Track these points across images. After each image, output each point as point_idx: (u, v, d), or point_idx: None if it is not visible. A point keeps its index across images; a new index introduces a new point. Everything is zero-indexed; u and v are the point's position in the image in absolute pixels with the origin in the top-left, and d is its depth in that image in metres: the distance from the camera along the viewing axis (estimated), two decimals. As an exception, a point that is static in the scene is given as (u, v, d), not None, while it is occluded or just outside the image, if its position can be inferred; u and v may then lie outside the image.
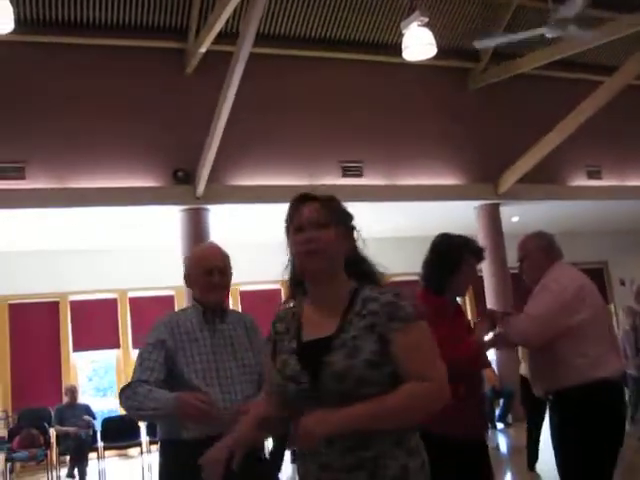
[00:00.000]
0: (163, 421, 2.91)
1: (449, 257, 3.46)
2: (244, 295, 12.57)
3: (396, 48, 9.95)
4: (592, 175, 13.08)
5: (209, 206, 10.13)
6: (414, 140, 11.50)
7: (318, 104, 10.88)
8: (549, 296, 3.66)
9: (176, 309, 12.48)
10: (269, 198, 10.28)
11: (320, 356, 1.95)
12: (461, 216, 12.22)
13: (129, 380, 2.92)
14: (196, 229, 10.10)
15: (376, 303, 1.99)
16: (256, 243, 10.80)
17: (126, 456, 11.40)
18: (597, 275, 16.23)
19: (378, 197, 11.07)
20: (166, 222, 10.41)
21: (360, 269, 2.12)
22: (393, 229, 12.31)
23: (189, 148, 9.76)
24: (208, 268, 3.08)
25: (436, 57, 9.68)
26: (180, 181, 9.84)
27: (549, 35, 8.87)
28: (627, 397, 9.91)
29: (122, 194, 9.59)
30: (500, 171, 11.82)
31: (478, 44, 10.28)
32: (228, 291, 3.16)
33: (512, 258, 12.71)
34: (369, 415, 1.87)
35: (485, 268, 11.67)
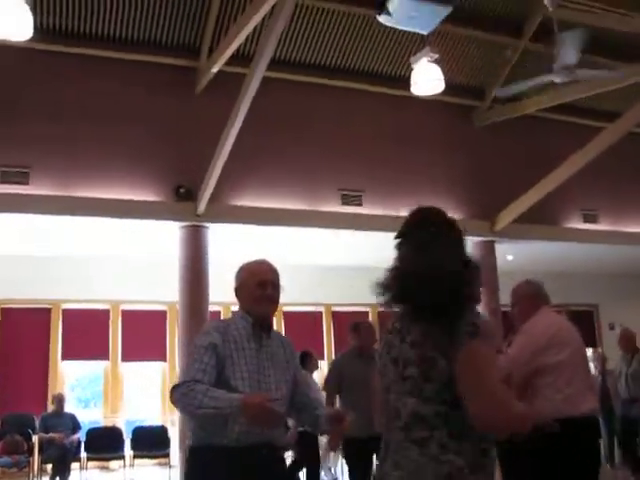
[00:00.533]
0: (212, 423, 2.87)
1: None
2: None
3: (404, 81, 10.09)
4: (588, 218, 13.21)
5: (209, 224, 10.21)
6: (415, 173, 11.62)
7: (322, 131, 11.01)
8: (525, 339, 4.15)
9: (167, 325, 12.56)
10: (268, 221, 10.39)
11: None
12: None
13: (178, 381, 2.95)
14: (195, 246, 10.16)
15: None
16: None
17: (108, 469, 11.38)
18: (587, 318, 16.34)
19: (376, 227, 11.15)
20: (165, 237, 10.49)
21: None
22: (389, 259, 12.34)
23: (192, 165, 9.86)
24: (262, 280, 3.16)
25: (443, 93, 9.83)
26: (182, 197, 9.93)
27: (558, 81, 9.04)
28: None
29: (123, 206, 9.66)
30: (498, 209, 11.94)
31: (499, 92, 10.54)
32: (276, 306, 3.24)
33: (505, 295, 12.79)
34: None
35: (480, 305, 11.72)
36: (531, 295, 4.32)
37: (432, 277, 2.15)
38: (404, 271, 2.22)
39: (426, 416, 2.07)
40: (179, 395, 2.81)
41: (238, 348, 3.00)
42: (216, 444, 2.86)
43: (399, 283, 2.20)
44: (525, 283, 4.41)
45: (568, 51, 8.20)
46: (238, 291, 3.21)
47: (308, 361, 8.14)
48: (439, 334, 2.08)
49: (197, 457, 2.94)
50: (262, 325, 3.13)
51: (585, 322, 16.44)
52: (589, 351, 16.56)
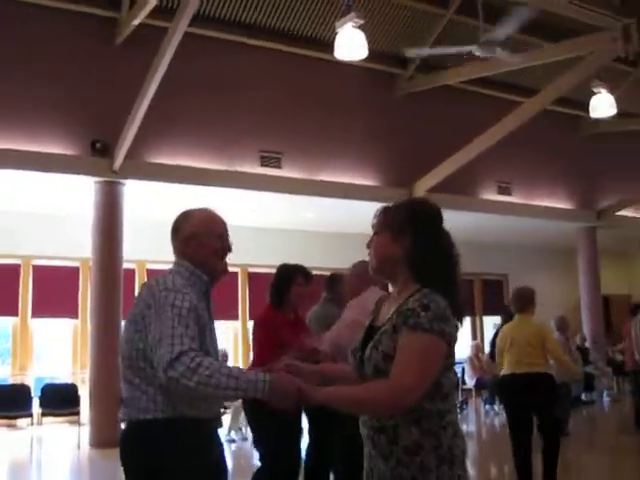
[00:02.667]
0: (194, 397, 2.49)
1: (282, 279, 4.97)
2: (150, 274, 12.47)
3: (327, 45, 10.09)
4: (502, 190, 13.58)
5: (125, 181, 10.04)
6: (335, 137, 11.68)
7: (243, 91, 10.90)
8: (350, 312, 4.61)
9: (80, 282, 12.32)
10: (186, 179, 10.28)
11: (369, 341, 2.27)
12: (372, 218, 12.46)
13: (176, 348, 2.38)
14: (110, 202, 9.99)
15: (405, 306, 2.20)
16: (167, 222, 10.70)
17: (15, 427, 11.18)
18: (497, 287, 16.85)
19: (294, 190, 11.19)
20: (79, 192, 10.26)
21: (420, 273, 2.27)
22: (302, 222, 12.45)
23: (110, 120, 9.65)
24: (223, 232, 2.79)
25: (366, 59, 9.87)
26: (98, 152, 9.71)
27: (477, 54, 9.21)
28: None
29: (36, 159, 9.39)
30: (415, 177, 12.13)
31: (409, 52, 10.56)
32: None
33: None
34: (339, 398, 2.21)
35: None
36: (361, 273, 4.55)
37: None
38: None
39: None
40: (185, 370, 2.33)
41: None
42: (191, 416, 2.55)
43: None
44: (360, 262, 4.57)
45: (500, 29, 8.35)
46: (189, 241, 2.73)
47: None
48: None
49: (168, 430, 2.54)
50: (214, 283, 2.77)
51: (495, 290, 16.98)
52: (497, 319, 17.13)
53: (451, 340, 2.18)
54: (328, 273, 6.10)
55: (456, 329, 2.23)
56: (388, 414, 2.18)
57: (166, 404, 2.52)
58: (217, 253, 2.76)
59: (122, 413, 2.67)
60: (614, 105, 12.00)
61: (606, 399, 13.75)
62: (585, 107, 12.63)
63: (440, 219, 2.40)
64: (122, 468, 2.71)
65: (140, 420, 2.57)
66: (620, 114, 12.85)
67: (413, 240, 2.28)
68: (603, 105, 12.00)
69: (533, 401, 5.84)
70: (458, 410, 11.05)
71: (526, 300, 6.20)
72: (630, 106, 13.97)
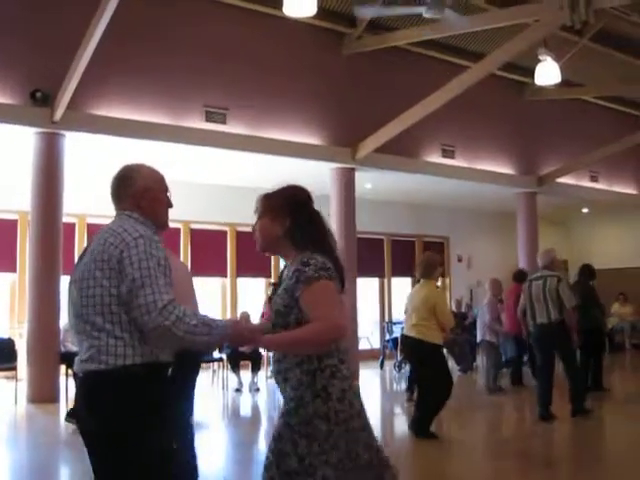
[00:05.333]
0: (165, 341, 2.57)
1: None
2: (90, 228, 12.26)
3: (277, 0, 9.93)
4: (446, 153, 13.71)
5: (66, 132, 9.81)
6: (281, 94, 11.59)
7: (189, 45, 10.70)
8: None
9: (19, 235, 12.07)
10: (129, 133, 10.10)
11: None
12: (316, 177, 12.47)
13: (164, 296, 2.50)
14: (50, 154, 9.76)
15: (290, 270, 2.75)
16: (109, 176, 10.53)
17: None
18: (439, 249, 17.09)
19: (239, 146, 11.10)
20: (18, 143, 10.00)
21: (299, 245, 2.79)
22: (245, 180, 12.36)
23: (51, 69, 9.37)
24: (166, 188, 2.90)
25: (315, 17, 9.75)
26: (38, 102, 9.45)
27: (426, 15, 9.21)
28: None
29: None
30: (360, 138, 12.14)
31: (357, 11, 10.49)
32: None
33: (361, 222, 13.17)
34: (283, 342, 2.72)
35: (335, 230, 12.02)
36: None
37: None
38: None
39: None
40: (177, 320, 2.47)
41: None
42: (162, 360, 2.64)
43: None
44: None
45: None
46: (144, 194, 2.78)
47: None
48: None
49: (148, 374, 2.59)
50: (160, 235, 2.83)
51: (436, 252, 17.21)
52: (439, 282, 17.42)
53: (336, 281, 2.73)
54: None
55: (338, 279, 2.76)
56: (326, 347, 2.67)
57: (144, 349, 2.57)
58: (167, 207, 2.90)
59: (85, 363, 2.59)
60: (559, 73, 12.17)
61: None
62: (530, 74, 12.79)
63: (311, 201, 2.90)
64: (86, 421, 2.63)
65: (118, 366, 2.54)
66: (564, 82, 13.05)
67: (290, 220, 2.78)
68: (548, 73, 12.16)
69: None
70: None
71: (428, 268, 6.91)
72: (575, 75, 14.20)
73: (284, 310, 2.71)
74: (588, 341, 9.39)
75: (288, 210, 2.80)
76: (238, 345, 2.74)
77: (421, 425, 6.78)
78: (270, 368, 3.43)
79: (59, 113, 9.44)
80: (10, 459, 6.75)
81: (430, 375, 6.82)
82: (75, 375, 2.71)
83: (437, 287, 7.26)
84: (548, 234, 16.85)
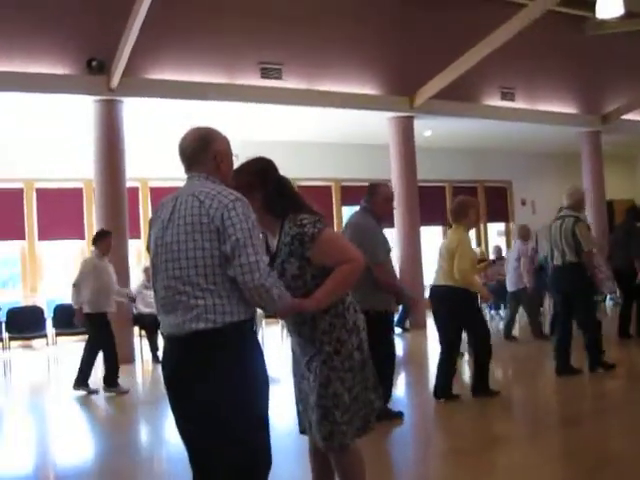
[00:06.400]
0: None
1: None
2: (153, 191, 12.45)
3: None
4: (505, 96, 13.38)
5: (123, 98, 9.91)
6: (335, 48, 11.43)
7: (241, 3, 10.62)
8: None
9: (85, 202, 12.33)
10: (185, 94, 10.15)
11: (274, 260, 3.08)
12: (375, 127, 12.36)
13: (265, 258, 2.69)
14: (109, 121, 9.90)
15: (289, 236, 2.99)
16: (168, 139, 10.61)
17: (31, 347, 11.40)
18: (501, 194, 16.83)
19: (296, 101, 11.04)
20: (78, 113, 10.15)
21: (278, 212, 3.06)
22: (306, 134, 12.34)
23: (106, 37, 9.42)
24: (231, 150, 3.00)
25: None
26: (94, 71, 9.55)
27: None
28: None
29: (33, 80, 9.25)
30: (417, 85, 11.94)
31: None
32: None
33: (422, 171, 13.00)
34: (327, 295, 2.96)
35: (395, 180, 11.94)
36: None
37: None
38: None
39: None
40: (276, 281, 2.70)
41: None
42: (250, 317, 2.79)
43: None
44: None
45: None
46: (223, 158, 2.85)
47: None
48: None
49: (250, 330, 2.78)
50: None
51: (499, 198, 16.97)
52: (502, 225, 17.17)
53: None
54: (326, 184, 6.11)
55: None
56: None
57: (244, 306, 2.70)
58: (231, 172, 2.97)
59: (190, 323, 2.64)
60: (622, 5, 11.67)
61: (609, 302, 13.81)
62: (591, 7, 12.30)
63: (273, 168, 3.12)
64: (185, 375, 2.66)
65: (226, 323, 2.64)
66: (627, 14, 12.52)
67: (262, 192, 3.02)
68: (610, 5, 11.66)
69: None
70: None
71: (457, 212, 6.33)
72: (637, 6, 13.60)
73: (299, 272, 3.00)
74: (630, 286, 9.08)
75: (257, 184, 3.02)
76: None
77: (477, 384, 6.37)
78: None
79: (115, 80, 9.52)
80: (92, 416, 7.04)
81: (467, 326, 6.32)
82: (168, 337, 2.76)
83: (465, 232, 6.35)
84: (613, 172, 16.38)
